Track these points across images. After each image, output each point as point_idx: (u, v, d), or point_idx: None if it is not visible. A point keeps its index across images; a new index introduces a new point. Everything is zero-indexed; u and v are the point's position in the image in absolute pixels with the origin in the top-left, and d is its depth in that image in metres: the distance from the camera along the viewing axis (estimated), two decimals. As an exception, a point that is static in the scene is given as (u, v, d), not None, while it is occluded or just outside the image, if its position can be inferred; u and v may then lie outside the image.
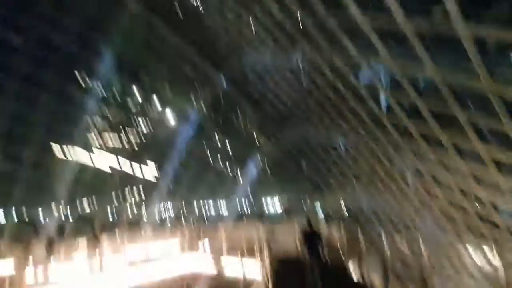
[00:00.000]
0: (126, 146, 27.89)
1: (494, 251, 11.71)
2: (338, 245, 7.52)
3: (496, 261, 11.65)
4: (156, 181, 25.15)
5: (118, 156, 24.53)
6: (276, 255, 9.58)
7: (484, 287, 13.59)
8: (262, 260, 4.38)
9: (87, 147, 23.92)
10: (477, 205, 10.67)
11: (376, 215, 21.67)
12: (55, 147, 21.93)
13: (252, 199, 28.51)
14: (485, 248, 11.77)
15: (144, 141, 25.65)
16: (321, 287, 6.11)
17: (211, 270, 9.84)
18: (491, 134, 8.56)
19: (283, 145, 24.09)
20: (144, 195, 26.17)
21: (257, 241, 4.54)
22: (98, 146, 25.24)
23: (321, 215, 26.49)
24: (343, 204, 25.05)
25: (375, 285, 22.13)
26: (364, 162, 16.27)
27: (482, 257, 12.13)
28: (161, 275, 11.18)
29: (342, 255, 7.50)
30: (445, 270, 18.52)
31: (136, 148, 25.17)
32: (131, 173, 24.30)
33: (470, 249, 14.19)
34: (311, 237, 6.65)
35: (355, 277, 7.15)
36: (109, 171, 24.38)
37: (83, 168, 23.29)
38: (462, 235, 13.44)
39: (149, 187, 25.41)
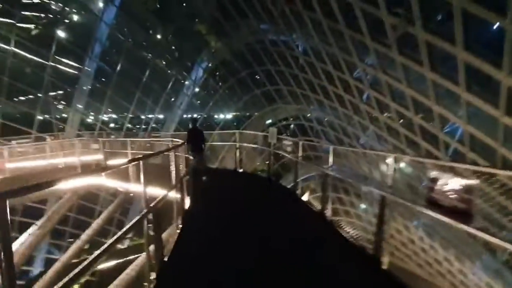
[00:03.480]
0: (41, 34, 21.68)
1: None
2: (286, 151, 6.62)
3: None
4: (79, 78, 20.69)
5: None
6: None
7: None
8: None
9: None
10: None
11: (323, 127, 22.05)
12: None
13: (198, 104, 26.26)
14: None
15: (64, 30, 19.74)
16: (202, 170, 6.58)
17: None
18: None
19: (236, 47, 21.01)
20: (67, 94, 21.78)
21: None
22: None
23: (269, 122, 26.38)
24: (293, 114, 24.70)
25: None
26: (321, 68, 14.84)
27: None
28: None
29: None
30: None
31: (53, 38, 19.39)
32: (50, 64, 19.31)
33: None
34: (192, 130, 6.90)
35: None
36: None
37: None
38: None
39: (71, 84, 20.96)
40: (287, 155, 6.14)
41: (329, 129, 20.96)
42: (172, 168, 3.43)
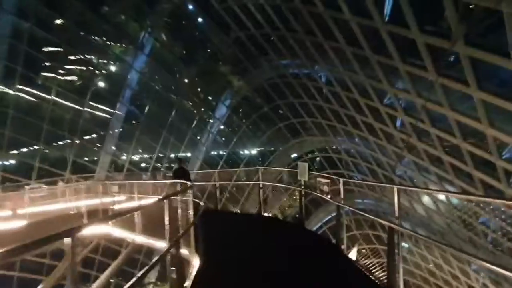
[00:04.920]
0: (76, 83, 23.73)
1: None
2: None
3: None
4: (110, 121, 21.78)
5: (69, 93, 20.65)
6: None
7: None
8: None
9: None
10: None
11: (354, 158, 20.71)
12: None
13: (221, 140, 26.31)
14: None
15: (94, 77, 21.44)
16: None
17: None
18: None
19: (258, 83, 21.24)
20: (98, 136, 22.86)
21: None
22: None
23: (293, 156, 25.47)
24: (319, 146, 23.76)
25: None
26: (347, 97, 14.15)
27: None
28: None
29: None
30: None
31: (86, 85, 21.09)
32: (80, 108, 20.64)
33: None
34: (177, 171, 7.04)
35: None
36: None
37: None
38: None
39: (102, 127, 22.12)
40: (325, 197, 4.96)
41: (360, 161, 19.58)
42: (166, 221, 2.69)
